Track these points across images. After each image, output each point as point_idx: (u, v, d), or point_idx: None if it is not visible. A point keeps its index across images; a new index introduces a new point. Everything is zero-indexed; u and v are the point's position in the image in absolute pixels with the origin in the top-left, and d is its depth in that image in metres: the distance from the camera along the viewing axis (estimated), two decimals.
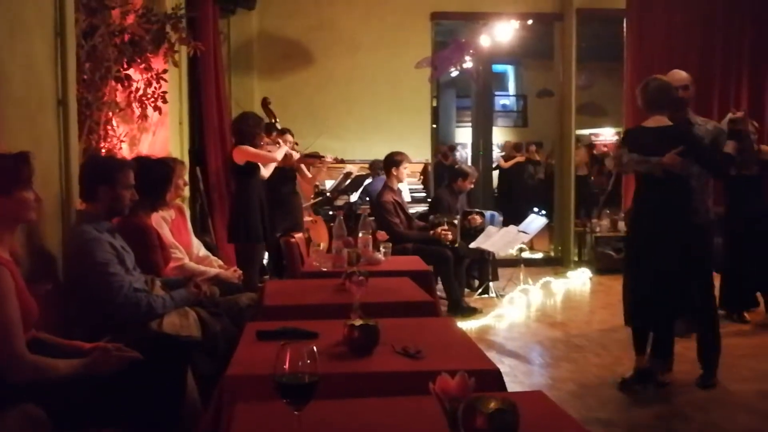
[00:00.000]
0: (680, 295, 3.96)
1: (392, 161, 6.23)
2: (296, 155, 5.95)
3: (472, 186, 6.94)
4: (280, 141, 5.75)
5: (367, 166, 7.91)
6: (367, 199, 7.67)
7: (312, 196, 7.40)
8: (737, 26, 8.08)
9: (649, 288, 3.94)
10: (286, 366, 1.47)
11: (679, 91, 4.09)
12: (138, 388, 2.26)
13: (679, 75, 4.21)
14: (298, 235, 5.05)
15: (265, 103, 6.68)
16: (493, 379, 2.02)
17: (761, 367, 4.46)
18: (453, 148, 13.53)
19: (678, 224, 3.89)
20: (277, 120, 6.44)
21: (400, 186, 7.04)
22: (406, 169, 6.30)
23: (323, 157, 6.26)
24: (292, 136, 6.50)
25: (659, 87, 3.99)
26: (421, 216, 6.68)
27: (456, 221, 6.28)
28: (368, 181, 7.73)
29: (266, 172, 5.42)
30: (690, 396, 3.91)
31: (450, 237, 6.09)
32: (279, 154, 5.44)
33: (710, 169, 4.05)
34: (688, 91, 4.20)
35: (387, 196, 6.16)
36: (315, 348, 1.52)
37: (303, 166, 6.40)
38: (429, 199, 7.85)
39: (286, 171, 5.88)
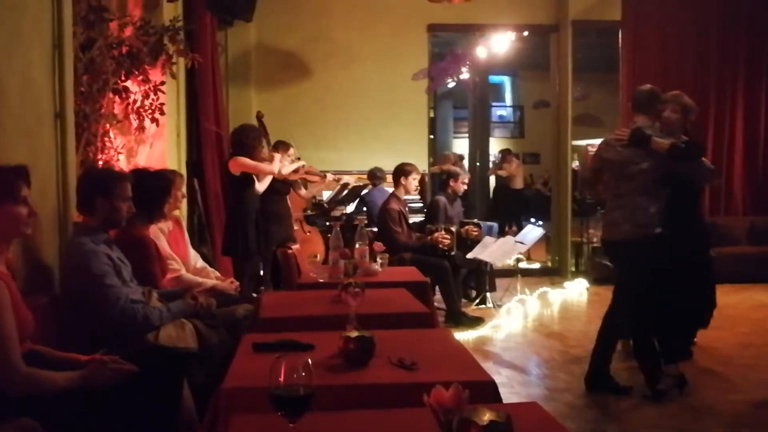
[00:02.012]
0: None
1: (402, 171, 6.31)
2: (290, 168, 5.93)
3: (465, 186, 6.94)
4: (276, 155, 5.76)
5: (364, 176, 7.91)
6: (365, 209, 7.68)
7: (305, 208, 7.39)
8: (731, 36, 8.15)
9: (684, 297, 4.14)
10: (281, 378, 1.48)
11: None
12: (134, 400, 2.26)
13: None
14: (295, 247, 5.06)
15: (258, 116, 6.70)
16: (488, 390, 2.03)
17: (755, 377, 4.46)
18: (462, 157, 13.32)
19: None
20: (269, 135, 6.46)
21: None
22: (415, 180, 6.34)
23: (324, 175, 6.28)
24: (292, 149, 6.53)
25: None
26: (419, 227, 6.69)
27: (453, 228, 6.28)
28: (365, 191, 7.75)
29: (261, 186, 5.44)
30: (684, 406, 3.91)
31: (447, 242, 6.09)
32: (274, 166, 5.44)
33: None
34: None
35: (393, 204, 6.23)
36: (310, 360, 1.52)
37: (299, 181, 6.43)
38: (426, 209, 7.86)
39: (279, 185, 5.90)
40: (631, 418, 3.82)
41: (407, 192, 6.38)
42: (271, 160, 5.52)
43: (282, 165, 5.65)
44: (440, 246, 6.07)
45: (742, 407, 3.90)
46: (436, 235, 6.10)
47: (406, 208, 6.48)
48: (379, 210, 6.40)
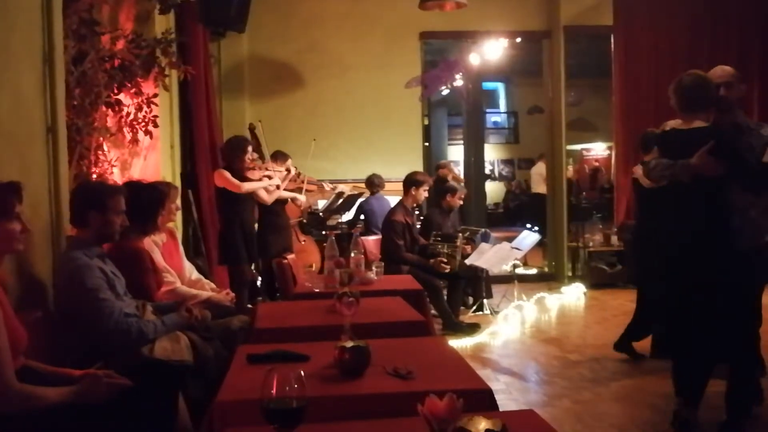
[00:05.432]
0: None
1: (413, 181, 6.25)
2: (279, 186, 5.95)
3: (461, 202, 6.92)
4: (262, 167, 5.78)
5: (359, 185, 7.91)
6: (362, 217, 7.67)
7: (298, 216, 7.39)
8: (723, 39, 8.17)
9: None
10: (273, 391, 1.47)
11: (721, 89, 3.50)
12: (129, 415, 2.25)
13: (720, 70, 3.59)
14: (291, 257, 5.06)
15: (250, 128, 6.70)
16: (484, 398, 2.02)
17: None
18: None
19: (712, 249, 3.32)
20: (262, 146, 6.47)
21: (389, 200, 7.03)
22: (425, 192, 6.31)
23: (321, 184, 6.31)
24: (290, 159, 6.54)
25: (695, 84, 3.44)
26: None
27: (458, 244, 6.23)
28: (362, 199, 7.73)
29: (270, 198, 5.50)
30: None
31: (447, 270, 6.07)
32: (245, 186, 5.42)
33: (746, 180, 3.34)
34: (733, 90, 3.53)
35: (399, 215, 6.16)
36: (303, 372, 1.51)
37: (295, 190, 6.46)
38: (422, 217, 7.84)
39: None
40: (630, 423, 3.81)
41: (416, 202, 6.34)
42: (255, 168, 5.58)
43: (269, 186, 5.70)
44: (441, 271, 6.05)
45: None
46: (437, 260, 6.07)
47: (414, 218, 6.40)
48: (384, 218, 6.38)
